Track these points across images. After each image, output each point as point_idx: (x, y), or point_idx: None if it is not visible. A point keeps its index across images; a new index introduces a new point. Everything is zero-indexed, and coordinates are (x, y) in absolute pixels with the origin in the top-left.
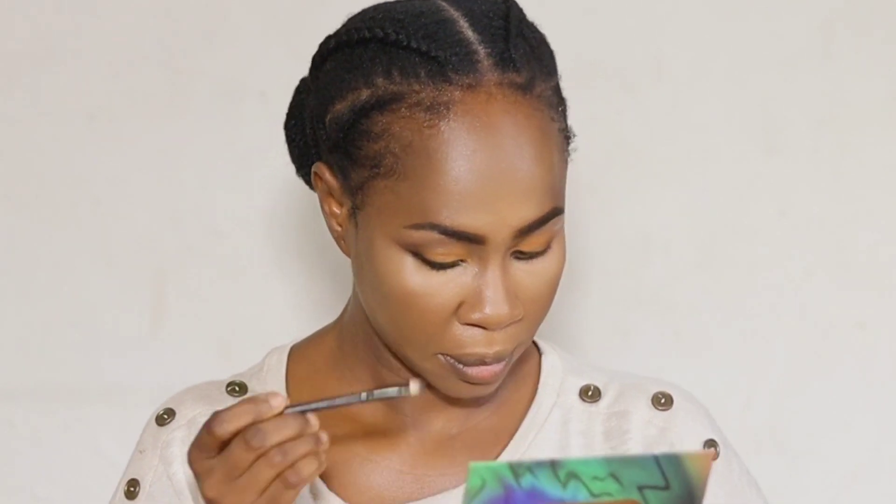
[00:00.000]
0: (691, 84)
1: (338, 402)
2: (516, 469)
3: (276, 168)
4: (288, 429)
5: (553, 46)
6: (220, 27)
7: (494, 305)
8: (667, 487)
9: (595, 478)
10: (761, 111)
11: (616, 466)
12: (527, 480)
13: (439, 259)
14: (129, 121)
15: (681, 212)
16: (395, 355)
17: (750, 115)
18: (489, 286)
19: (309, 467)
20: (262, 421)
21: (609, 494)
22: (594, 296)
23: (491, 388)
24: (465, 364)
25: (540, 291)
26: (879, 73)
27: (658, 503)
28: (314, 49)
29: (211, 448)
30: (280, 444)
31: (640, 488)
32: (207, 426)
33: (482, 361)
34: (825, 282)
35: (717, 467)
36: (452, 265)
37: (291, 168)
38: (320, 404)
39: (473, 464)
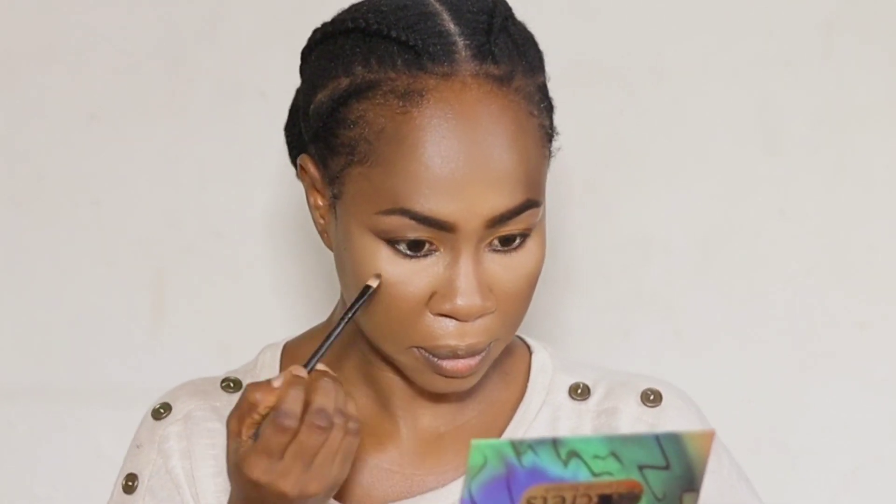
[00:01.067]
0: (691, 84)
1: (335, 334)
2: (518, 447)
3: (276, 168)
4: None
5: (553, 46)
6: (220, 27)
7: (465, 296)
8: (667, 467)
9: (596, 457)
10: (761, 111)
11: (617, 445)
12: (528, 459)
13: (411, 247)
14: (129, 121)
15: (681, 212)
16: (367, 338)
17: (750, 115)
18: (460, 276)
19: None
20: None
21: (610, 474)
22: (594, 296)
23: (469, 383)
24: (439, 357)
25: (515, 286)
26: (879, 73)
27: (658, 483)
28: None
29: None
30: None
31: (641, 468)
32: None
33: (455, 354)
34: (825, 282)
35: (708, 463)
36: (425, 254)
37: (291, 168)
38: (324, 348)
39: (475, 441)
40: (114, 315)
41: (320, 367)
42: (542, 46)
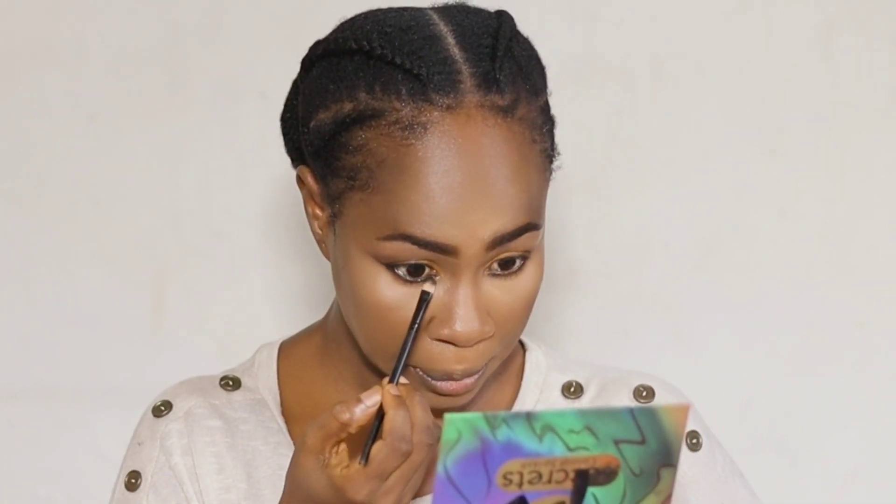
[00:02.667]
0: (691, 84)
1: (408, 346)
2: (492, 421)
3: (276, 168)
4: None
5: (553, 46)
6: (220, 27)
7: (464, 322)
8: (643, 442)
9: (571, 431)
10: (761, 111)
11: (591, 419)
12: (503, 433)
13: (410, 272)
14: (129, 121)
15: (681, 212)
16: (364, 352)
17: (750, 115)
18: (460, 303)
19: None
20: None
21: (585, 449)
22: (594, 296)
23: (464, 400)
24: (435, 378)
25: (513, 309)
26: (879, 73)
27: (634, 458)
28: None
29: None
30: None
31: (617, 442)
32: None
33: (450, 377)
34: (825, 282)
35: (701, 458)
36: (425, 279)
37: (290, 168)
38: (401, 362)
39: (449, 415)
40: (114, 315)
41: (402, 380)
42: (542, 46)
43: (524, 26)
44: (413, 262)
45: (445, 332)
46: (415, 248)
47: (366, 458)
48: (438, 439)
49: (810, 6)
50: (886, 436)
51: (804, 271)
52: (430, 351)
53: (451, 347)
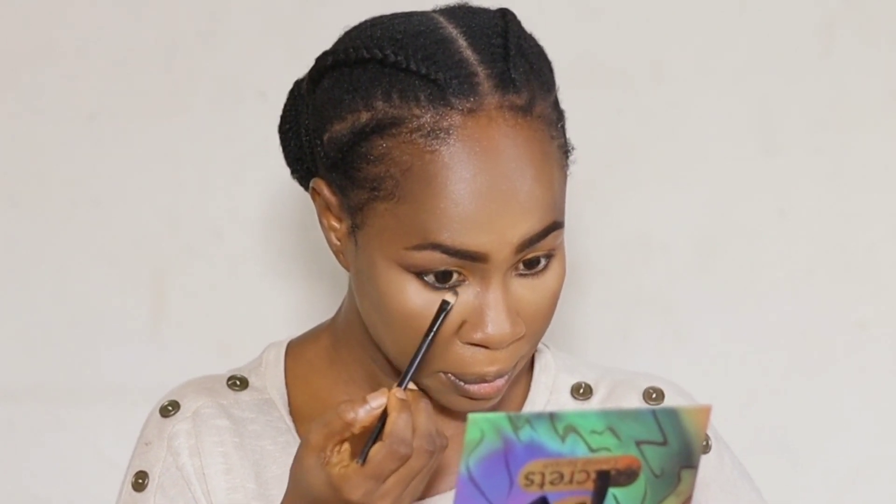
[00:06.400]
0: (691, 84)
1: (421, 353)
2: (515, 421)
3: (276, 168)
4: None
5: (553, 46)
6: (220, 27)
7: (496, 325)
8: (664, 443)
9: (593, 432)
10: (761, 111)
11: (614, 420)
12: (525, 433)
13: (439, 278)
14: (129, 121)
15: (681, 212)
16: (390, 359)
17: (750, 115)
18: (491, 306)
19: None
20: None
21: (608, 450)
22: (594, 296)
23: (493, 402)
24: (467, 382)
25: (541, 307)
26: (879, 73)
27: (656, 459)
28: (314, 49)
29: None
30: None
31: (638, 443)
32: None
33: (483, 379)
34: (825, 281)
35: (710, 461)
36: (453, 284)
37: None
38: (412, 368)
39: (472, 415)
40: (114, 315)
41: (411, 386)
42: (543, 46)
43: (524, 26)
44: (442, 269)
45: (478, 336)
46: (445, 256)
47: (364, 458)
48: (442, 448)
49: (810, 5)
50: (887, 435)
51: (804, 271)
52: (462, 355)
53: (484, 350)
